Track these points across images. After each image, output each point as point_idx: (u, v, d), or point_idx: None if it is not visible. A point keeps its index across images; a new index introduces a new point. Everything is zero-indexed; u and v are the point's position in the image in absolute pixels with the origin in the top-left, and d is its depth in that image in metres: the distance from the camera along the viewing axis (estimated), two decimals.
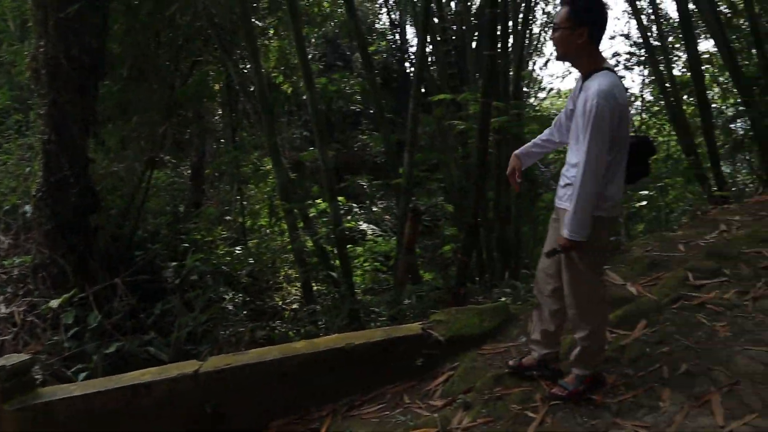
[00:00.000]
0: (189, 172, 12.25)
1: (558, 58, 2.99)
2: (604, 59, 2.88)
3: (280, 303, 9.14)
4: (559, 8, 2.90)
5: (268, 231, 10.89)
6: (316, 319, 5.79)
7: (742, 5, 9.41)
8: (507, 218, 7.81)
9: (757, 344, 3.33)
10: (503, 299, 5.40)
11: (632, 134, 3.00)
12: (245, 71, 8.86)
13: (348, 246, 9.74)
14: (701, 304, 3.81)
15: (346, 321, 5.72)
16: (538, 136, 3.34)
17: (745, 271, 4.07)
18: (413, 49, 11.22)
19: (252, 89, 8.02)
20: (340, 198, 11.06)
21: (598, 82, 2.74)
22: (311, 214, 8.52)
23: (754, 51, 9.27)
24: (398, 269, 5.94)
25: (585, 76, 2.87)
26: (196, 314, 5.44)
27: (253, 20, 11.01)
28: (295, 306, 8.65)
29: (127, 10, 6.84)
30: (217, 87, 11.53)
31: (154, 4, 6.58)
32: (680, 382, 3.11)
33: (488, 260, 7.68)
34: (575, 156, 2.85)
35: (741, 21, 10.61)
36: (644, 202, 8.29)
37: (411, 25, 17.94)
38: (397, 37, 18.78)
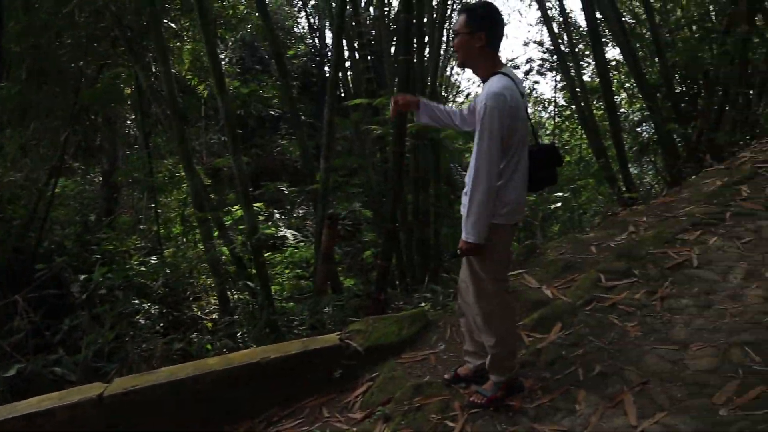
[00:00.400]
0: (100, 179, 11.73)
1: (459, 65, 3.04)
2: (502, 64, 2.92)
3: (199, 313, 8.85)
4: (458, 16, 2.97)
5: (184, 239, 10.53)
6: (234, 331, 5.60)
7: (644, 16, 9.85)
8: (426, 221, 7.84)
9: (664, 343, 3.44)
10: (423, 305, 5.39)
11: (540, 142, 3.01)
12: (156, 74, 8.52)
13: (268, 253, 9.53)
14: (613, 305, 3.91)
15: (266, 331, 5.57)
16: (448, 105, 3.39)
17: (652, 272, 4.21)
18: None
19: (164, 93, 7.70)
20: (258, 204, 10.84)
21: (489, 85, 2.79)
22: (228, 222, 8.28)
23: (656, 59, 9.72)
24: (317, 277, 5.83)
25: (483, 81, 2.92)
26: (105, 330, 5.15)
27: (166, 21, 10.66)
28: (215, 316, 8.40)
29: (25, 6, 6.43)
30: (128, 90, 11.07)
31: (54, 0, 6.21)
32: (594, 384, 3.17)
33: (408, 264, 7.68)
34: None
35: (644, 31, 11.13)
36: (559, 204, 8.54)
37: (330, 30, 17.87)
38: (317, 41, 18.66)
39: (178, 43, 11.81)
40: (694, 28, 11.75)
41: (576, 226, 7.67)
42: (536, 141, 2.97)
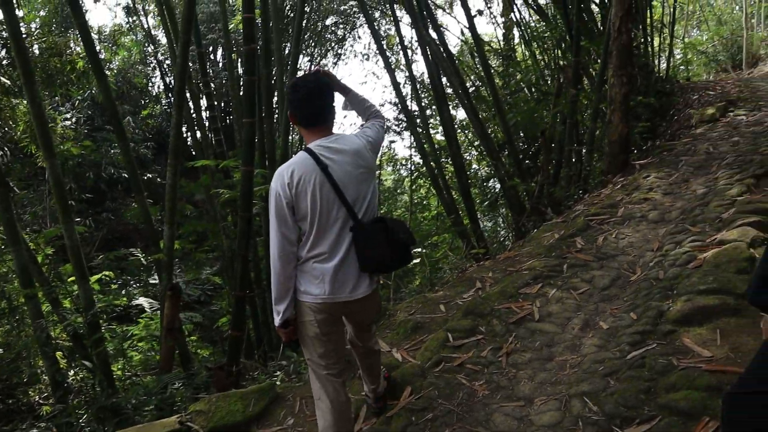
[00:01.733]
0: None
1: None
2: (319, 136, 2.83)
3: (37, 398, 7.96)
4: None
5: (16, 317, 9.52)
6: (66, 419, 5.01)
7: (486, 79, 10.46)
8: None
9: (510, 400, 3.47)
10: (278, 374, 5.17)
11: (363, 218, 2.82)
12: None
13: (121, 326, 8.83)
14: (461, 364, 3.91)
15: (107, 415, 5.04)
16: None
17: (498, 327, 4.28)
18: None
19: None
20: (107, 272, 10.08)
21: None
22: (68, 296, 7.59)
23: (499, 119, 10.29)
24: (162, 352, 5.42)
25: None
26: None
27: None
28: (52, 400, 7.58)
29: None
30: None
31: None
32: None
33: (265, 329, 7.39)
34: None
35: (487, 92, 11.84)
36: (417, 260, 8.66)
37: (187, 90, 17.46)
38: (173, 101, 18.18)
39: (14, 101, 10.99)
40: (533, 90, 12.73)
41: (434, 282, 7.78)
42: (354, 217, 2.77)
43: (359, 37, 32.97)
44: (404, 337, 4.49)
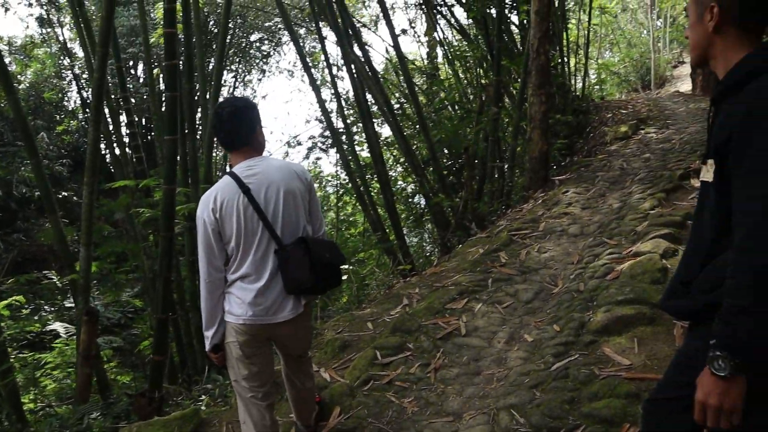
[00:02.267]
0: None
1: None
2: (241, 160, 2.84)
3: None
4: None
5: None
6: None
7: (411, 97, 10.60)
8: None
9: (440, 416, 3.48)
10: (204, 398, 5.02)
11: (285, 240, 2.79)
12: None
13: (31, 354, 8.37)
14: (390, 382, 3.90)
15: None
16: None
17: (425, 344, 4.30)
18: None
19: None
20: (18, 297, 9.57)
21: None
22: None
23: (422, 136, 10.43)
24: (78, 381, 5.16)
25: None
26: None
27: None
28: None
29: None
30: None
31: None
32: None
33: (189, 351, 7.16)
34: None
35: (412, 110, 12.00)
36: (345, 277, 8.61)
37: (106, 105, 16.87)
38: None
39: None
40: (456, 107, 12.99)
41: (361, 299, 7.76)
42: (277, 240, 2.75)
43: (284, 54, 32.84)
44: (332, 356, 4.45)
